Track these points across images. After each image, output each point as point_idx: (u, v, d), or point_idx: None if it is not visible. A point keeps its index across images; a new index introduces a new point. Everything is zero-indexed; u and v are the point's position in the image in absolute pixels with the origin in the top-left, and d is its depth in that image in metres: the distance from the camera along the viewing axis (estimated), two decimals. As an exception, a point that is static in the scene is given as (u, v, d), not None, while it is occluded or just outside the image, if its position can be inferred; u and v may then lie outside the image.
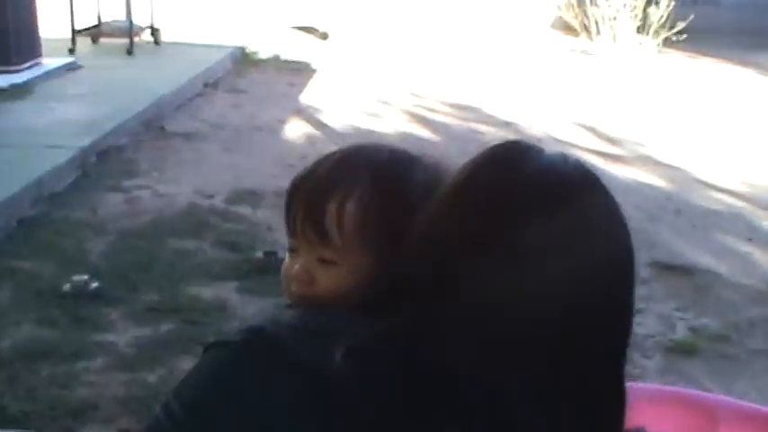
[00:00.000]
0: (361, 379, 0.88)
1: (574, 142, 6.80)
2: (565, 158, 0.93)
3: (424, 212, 0.92)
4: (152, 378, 3.31)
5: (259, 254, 4.51)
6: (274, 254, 4.32)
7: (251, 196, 5.48)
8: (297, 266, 1.05)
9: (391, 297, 0.93)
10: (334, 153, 1.09)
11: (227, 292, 4.18)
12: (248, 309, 4.00)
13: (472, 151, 0.99)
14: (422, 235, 0.92)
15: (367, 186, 1.03)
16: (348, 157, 1.07)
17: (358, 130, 6.98)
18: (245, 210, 5.29)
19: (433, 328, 0.89)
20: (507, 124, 7.40)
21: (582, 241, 0.89)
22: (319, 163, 1.08)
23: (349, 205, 1.02)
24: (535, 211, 0.88)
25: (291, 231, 1.07)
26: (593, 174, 0.93)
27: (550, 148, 0.97)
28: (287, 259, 1.09)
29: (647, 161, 6.56)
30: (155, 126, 6.87)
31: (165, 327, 3.75)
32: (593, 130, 7.40)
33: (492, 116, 7.70)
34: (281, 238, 3.97)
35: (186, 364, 3.07)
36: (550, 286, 0.87)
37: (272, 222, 4.89)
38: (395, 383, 0.88)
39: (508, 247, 0.87)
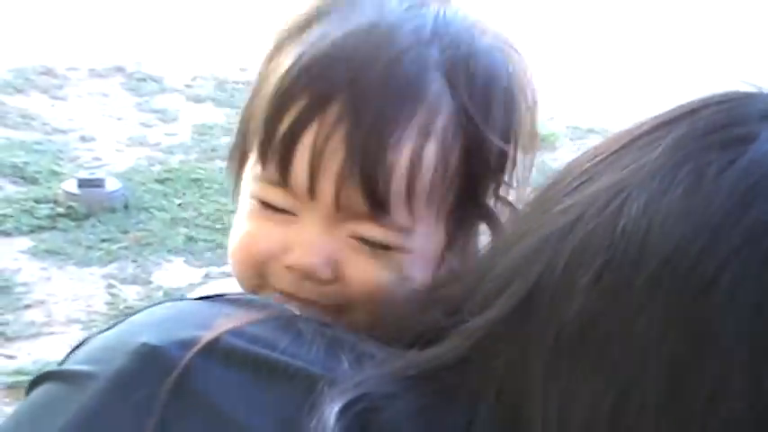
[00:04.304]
0: None
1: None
2: None
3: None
4: None
5: (67, 186, 3.57)
6: (98, 182, 3.54)
7: (43, 77, 4.66)
8: (305, 251, 0.70)
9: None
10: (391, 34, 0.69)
11: (11, 256, 3.25)
12: (56, 289, 3.10)
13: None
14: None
15: (451, 112, 0.69)
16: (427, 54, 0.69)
17: None
18: (34, 101, 4.42)
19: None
20: None
21: None
22: (373, 52, 0.68)
23: (429, 149, 0.68)
24: None
25: (289, 178, 0.70)
26: None
27: None
28: (251, 224, 0.73)
29: None
30: None
31: None
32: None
33: None
34: (107, 152, 3.75)
35: None
36: None
37: (86, 122, 4.18)
38: None
39: None
